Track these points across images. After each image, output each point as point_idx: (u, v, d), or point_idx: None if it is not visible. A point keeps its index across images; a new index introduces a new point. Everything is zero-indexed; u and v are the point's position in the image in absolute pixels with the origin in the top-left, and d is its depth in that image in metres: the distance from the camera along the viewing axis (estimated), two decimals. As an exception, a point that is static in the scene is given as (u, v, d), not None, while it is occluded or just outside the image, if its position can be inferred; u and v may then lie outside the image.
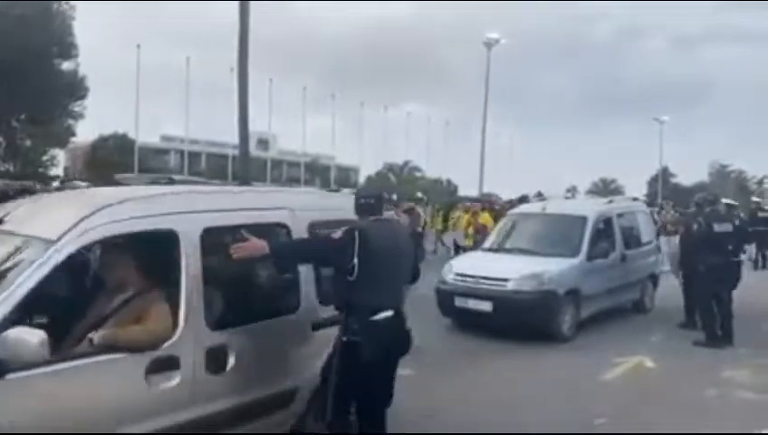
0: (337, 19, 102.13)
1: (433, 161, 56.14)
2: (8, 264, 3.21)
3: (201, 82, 52.11)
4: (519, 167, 48.16)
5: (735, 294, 8.37)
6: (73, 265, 3.40)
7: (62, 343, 3.26)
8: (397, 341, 3.88)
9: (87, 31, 50.67)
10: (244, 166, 23.34)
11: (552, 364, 7.17)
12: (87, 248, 3.43)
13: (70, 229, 3.16)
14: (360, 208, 4.04)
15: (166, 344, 3.33)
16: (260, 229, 3.85)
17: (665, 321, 9.48)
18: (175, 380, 3.36)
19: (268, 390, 3.81)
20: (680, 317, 9.42)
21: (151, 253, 3.55)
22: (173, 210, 3.57)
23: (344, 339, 3.76)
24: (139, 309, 3.40)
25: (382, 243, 3.82)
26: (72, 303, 3.61)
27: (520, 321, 7.93)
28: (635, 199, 12.97)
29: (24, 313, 3.04)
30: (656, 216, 13.53)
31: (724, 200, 11.89)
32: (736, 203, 14.60)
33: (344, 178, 54.83)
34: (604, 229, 9.33)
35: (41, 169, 31.56)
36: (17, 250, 3.28)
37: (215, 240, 3.70)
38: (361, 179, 56.49)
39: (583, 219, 9.12)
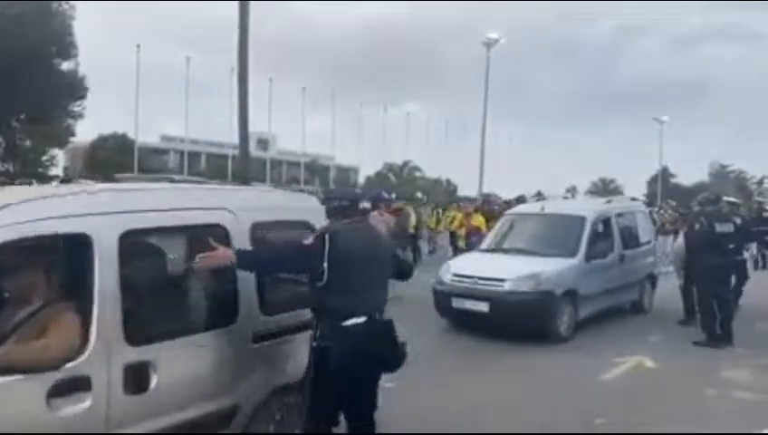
0: (337, 19, 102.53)
1: (433, 161, 56.15)
2: None
3: (201, 82, 52.39)
4: (519, 167, 48.06)
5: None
6: None
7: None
8: (370, 347, 3.67)
9: (87, 31, 50.62)
10: (243, 166, 23.36)
11: (552, 364, 7.16)
12: None
13: None
14: (334, 211, 3.92)
15: (73, 363, 2.95)
16: (192, 232, 3.58)
17: (664, 321, 9.48)
18: (85, 403, 2.97)
19: (200, 410, 3.45)
20: (679, 318, 9.45)
21: (61, 259, 3.20)
22: (86, 211, 3.16)
23: (314, 344, 3.71)
24: (42, 323, 3.01)
25: (354, 247, 3.69)
26: None
27: (517, 321, 7.91)
28: (634, 199, 12.93)
29: None
30: (655, 215, 13.54)
31: (727, 198, 11.93)
32: (739, 201, 14.62)
33: (344, 178, 54.89)
34: (602, 229, 9.31)
35: (40, 169, 31.47)
36: None
37: (137, 244, 3.34)
38: (361, 179, 56.51)
39: (581, 219, 9.11)
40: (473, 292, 8.26)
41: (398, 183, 48.03)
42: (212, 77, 59.41)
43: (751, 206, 18.11)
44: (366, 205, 4.25)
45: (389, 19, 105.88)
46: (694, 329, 8.47)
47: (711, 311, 8.18)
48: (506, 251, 9.28)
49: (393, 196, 16.24)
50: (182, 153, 48.64)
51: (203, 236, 3.57)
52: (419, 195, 26.07)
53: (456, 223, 14.33)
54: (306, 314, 3.91)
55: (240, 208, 3.82)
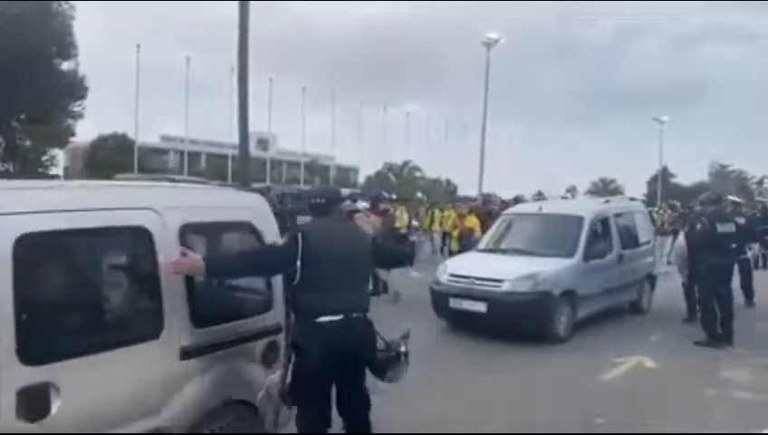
0: (337, 19, 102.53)
1: (433, 161, 56.12)
2: None
3: (201, 82, 52.37)
4: (519, 167, 48.05)
5: (736, 294, 8.52)
6: None
7: None
8: (347, 345, 3.68)
9: (87, 31, 50.63)
10: (244, 166, 23.38)
11: (552, 364, 7.16)
12: None
13: None
14: (311, 209, 3.93)
15: None
16: (106, 236, 3.19)
17: (664, 321, 9.48)
18: None
19: None
20: (678, 318, 9.46)
21: None
22: None
23: (290, 341, 3.75)
24: None
25: (328, 245, 3.68)
26: None
27: (514, 322, 7.89)
28: (632, 199, 12.91)
29: None
30: (654, 215, 13.53)
31: (731, 198, 11.94)
32: (743, 201, 14.63)
33: (344, 177, 54.87)
34: (601, 230, 9.29)
35: (41, 169, 31.49)
36: None
37: (37, 250, 2.90)
38: (361, 179, 56.53)
39: (579, 219, 9.08)
40: (470, 292, 8.23)
41: (398, 183, 48.03)
42: (212, 77, 59.46)
43: (754, 205, 18.10)
44: (347, 203, 4.23)
45: (389, 19, 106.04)
46: (695, 329, 8.46)
47: (712, 310, 8.19)
48: (504, 251, 9.25)
49: (393, 196, 16.27)
50: (182, 153, 48.63)
51: (120, 239, 3.28)
52: (419, 195, 26.09)
53: (449, 224, 14.20)
54: (250, 324, 3.73)
55: (167, 208, 3.42)
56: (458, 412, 5.45)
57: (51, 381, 2.82)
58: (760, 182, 61.21)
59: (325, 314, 3.64)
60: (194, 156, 51.06)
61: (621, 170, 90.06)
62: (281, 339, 3.91)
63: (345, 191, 23.34)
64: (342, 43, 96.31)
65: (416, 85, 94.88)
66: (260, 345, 3.81)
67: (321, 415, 3.76)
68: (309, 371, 3.65)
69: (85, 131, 37.96)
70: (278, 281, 3.90)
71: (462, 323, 8.52)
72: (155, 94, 55.64)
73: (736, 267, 9.47)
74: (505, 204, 15.44)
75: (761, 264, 16.68)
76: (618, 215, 9.93)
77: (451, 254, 12.30)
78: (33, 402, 2.78)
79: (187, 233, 3.48)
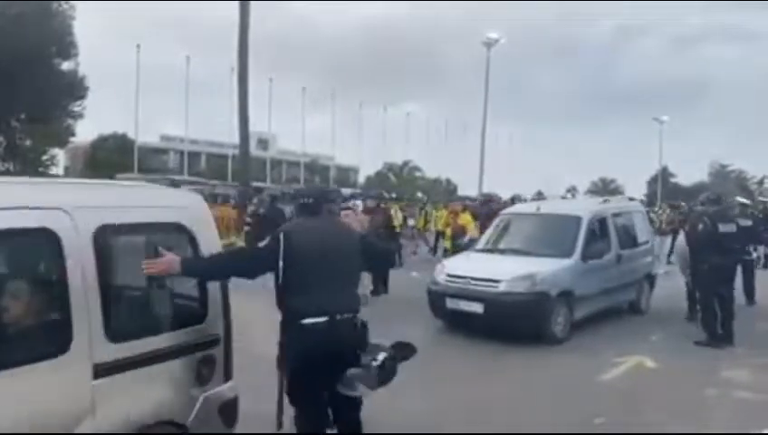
0: (337, 19, 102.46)
1: (433, 161, 56.06)
2: None
3: (201, 82, 52.30)
4: (519, 166, 47.99)
5: (736, 294, 8.50)
6: None
7: None
8: (332, 347, 3.59)
9: (87, 31, 50.68)
10: (244, 166, 23.40)
11: (551, 364, 7.15)
12: None
13: None
14: (300, 209, 3.91)
15: None
16: (6, 238, 2.81)
17: (663, 321, 9.46)
18: None
19: None
20: (678, 318, 9.45)
21: None
22: None
23: (279, 342, 3.74)
24: None
25: (313, 245, 3.62)
26: None
27: (511, 323, 7.85)
28: (631, 199, 12.89)
29: None
30: (652, 215, 13.53)
31: (738, 199, 11.95)
32: (750, 202, 14.66)
33: (344, 177, 54.85)
34: (599, 229, 9.26)
35: (41, 169, 31.51)
36: None
37: None
38: (361, 179, 56.53)
39: (577, 219, 9.05)
40: (467, 292, 8.21)
41: (398, 183, 48.06)
42: (212, 77, 59.34)
43: (756, 206, 18.11)
44: (333, 202, 4.19)
45: (389, 19, 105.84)
46: (695, 328, 8.44)
47: (712, 310, 8.17)
48: (502, 251, 9.23)
49: (394, 195, 16.27)
50: (182, 153, 48.52)
51: (21, 243, 2.94)
52: (419, 194, 26.12)
53: (441, 222, 14.15)
54: (178, 336, 3.38)
55: (80, 208, 3.03)
56: (455, 413, 5.42)
57: None
58: (760, 182, 61.13)
59: (310, 316, 3.58)
60: (194, 156, 51.02)
61: (621, 170, 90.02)
62: (218, 352, 3.60)
63: (346, 191, 23.41)
64: (342, 43, 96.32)
65: (416, 85, 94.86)
66: (191, 360, 3.45)
67: (319, 415, 3.75)
68: (294, 372, 3.65)
69: (85, 131, 38.10)
70: (215, 287, 3.62)
71: (459, 324, 8.48)
72: (155, 94, 55.60)
73: (739, 268, 9.43)
74: (504, 204, 15.45)
75: (761, 263, 16.70)
76: (616, 215, 9.89)
77: (445, 253, 12.26)
78: None
79: (105, 235, 3.10)
